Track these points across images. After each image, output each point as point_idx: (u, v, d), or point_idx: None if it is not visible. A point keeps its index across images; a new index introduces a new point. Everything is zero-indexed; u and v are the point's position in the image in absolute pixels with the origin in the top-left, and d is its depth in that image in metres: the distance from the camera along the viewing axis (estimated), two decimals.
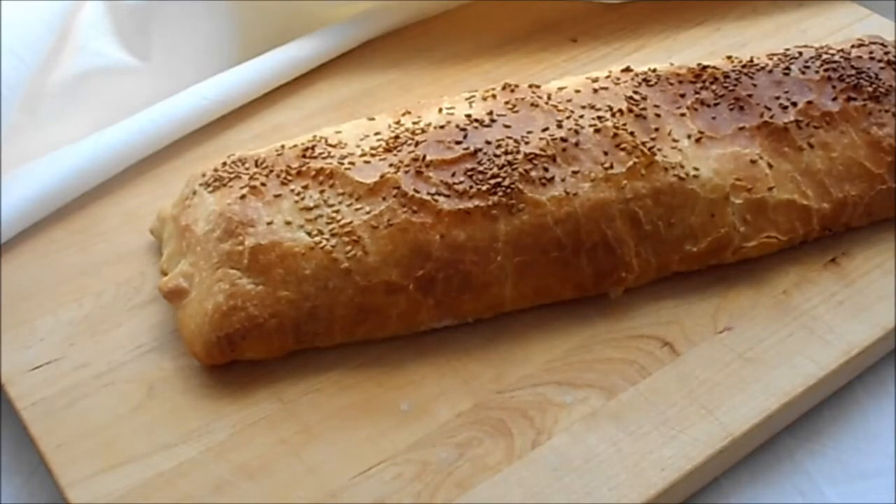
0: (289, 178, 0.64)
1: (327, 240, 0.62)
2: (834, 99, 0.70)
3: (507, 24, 0.90)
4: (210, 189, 0.65)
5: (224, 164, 0.67)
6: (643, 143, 0.65)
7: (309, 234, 0.62)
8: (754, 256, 0.67)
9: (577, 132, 0.66)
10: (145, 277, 0.68)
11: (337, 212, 0.62)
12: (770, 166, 0.67)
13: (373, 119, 0.70)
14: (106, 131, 0.77)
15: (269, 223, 0.62)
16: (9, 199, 0.71)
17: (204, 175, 0.67)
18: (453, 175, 0.63)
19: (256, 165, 0.66)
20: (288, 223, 0.62)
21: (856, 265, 0.68)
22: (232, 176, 0.65)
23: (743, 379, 0.61)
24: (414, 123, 0.68)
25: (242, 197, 0.63)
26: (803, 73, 0.72)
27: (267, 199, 0.63)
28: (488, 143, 0.65)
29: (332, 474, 0.57)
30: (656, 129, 0.67)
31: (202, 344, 0.61)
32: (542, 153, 0.64)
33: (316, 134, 0.68)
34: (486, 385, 0.61)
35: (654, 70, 0.71)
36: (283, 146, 0.67)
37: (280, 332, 0.61)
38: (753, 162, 0.67)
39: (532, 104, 0.68)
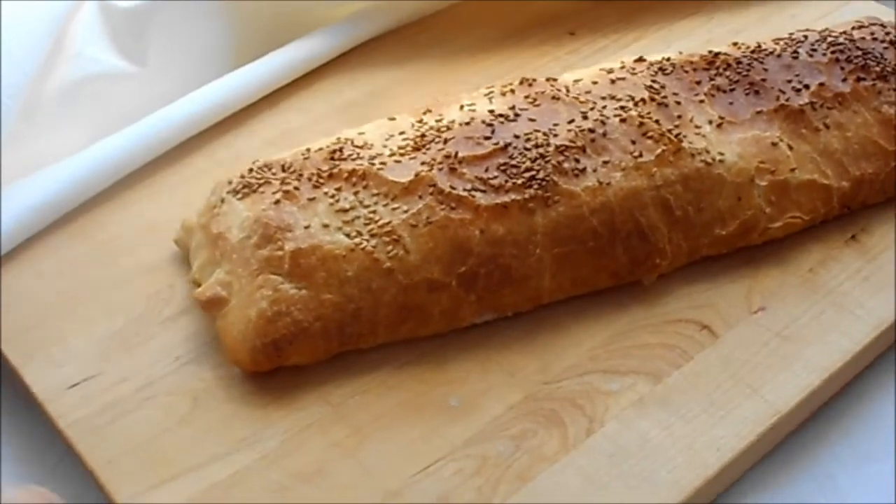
0: (321, 181, 0.64)
1: (367, 240, 0.61)
2: (844, 80, 0.71)
3: (504, 21, 0.90)
4: (239, 196, 0.65)
5: (250, 170, 0.66)
6: (669, 131, 0.66)
7: (348, 235, 0.62)
8: (779, 237, 0.68)
9: (603, 122, 0.66)
10: (174, 289, 0.68)
11: (374, 212, 0.62)
12: (790, 148, 0.68)
13: (394, 119, 0.70)
14: (107, 140, 0.76)
15: (307, 227, 0.62)
16: (10, 209, 0.69)
17: (230, 182, 0.66)
18: (486, 170, 0.64)
19: (284, 170, 0.65)
20: (325, 226, 0.62)
21: (875, 241, 0.70)
22: (261, 182, 0.65)
23: (783, 357, 0.62)
24: (437, 121, 0.68)
25: (277, 202, 0.63)
26: (811, 56, 0.73)
27: (301, 203, 0.63)
28: (517, 136, 0.65)
29: (391, 474, 0.57)
30: (679, 117, 0.68)
31: (247, 351, 0.60)
32: (572, 144, 0.65)
33: (339, 136, 0.68)
34: (533, 377, 0.62)
35: (668, 59, 0.72)
36: (308, 149, 0.67)
37: (325, 336, 0.61)
38: (774, 144, 0.68)
39: (553, 97, 0.69)
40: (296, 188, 0.64)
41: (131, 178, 0.76)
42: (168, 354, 0.64)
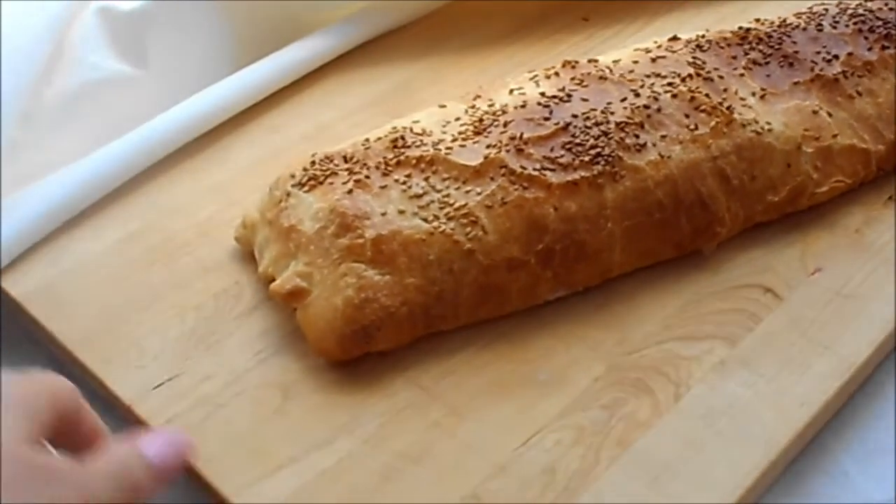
0: (389, 168, 0.65)
1: (445, 223, 0.62)
2: (870, 49, 0.75)
3: (516, 10, 0.92)
4: (306, 189, 0.65)
5: (312, 163, 0.67)
6: (720, 103, 0.68)
7: (425, 220, 0.62)
8: (824, 201, 0.71)
9: (655, 98, 0.68)
10: (241, 285, 0.68)
11: (447, 196, 0.63)
12: (830, 115, 0.71)
13: (444, 106, 0.71)
14: (121, 140, 0.76)
15: (384, 214, 0.62)
16: (12, 217, 0.69)
17: (293, 176, 0.66)
18: (552, 150, 0.65)
19: (347, 161, 0.66)
20: (401, 212, 0.63)
21: None
22: (326, 173, 0.65)
23: (847, 314, 0.65)
24: (490, 106, 0.69)
25: (350, 191, 0.63)
26: (834, 27, 0.76)
27: (374, 192, 0.63)
28: (575, 116, 0.67)
29: (494, 449, 0.58)
30: (724, 90, 0.70)
31: (336, 340, 0.61)
32: (630, 121, 0.67)
33: (394, 125, 0.69)
34: (614, 349, 0.63)
35: (703, 36, 0.75)
36: (367, 139, 0.68)
37: (410, 320, 0.62)
38: (815, 113, 0.71)
39: (600, 77, 0.70)
40: (366, 177, 0.64)
41: (176, 178, 0.76)
42: (248, 349, 0.64)
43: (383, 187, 0.64)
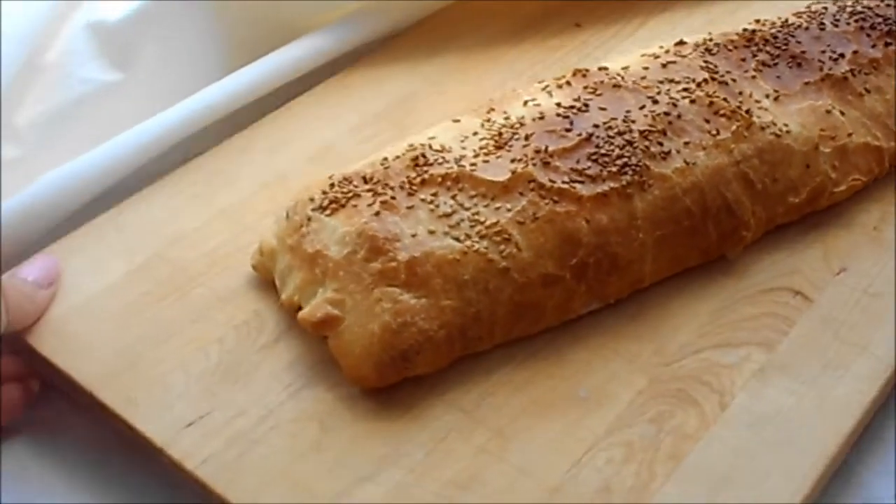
0: (414, 188, 0.63)
1: (477, 242, 0.61)
2: (873, 46, 0.75)
3: (507, 18, 0.90)
4: (328, 212, 0.63)
5: (331, 185, 0.65)
6: (738, 107, 0.68)
7: (457, 239, 0.61)
8: (841, 200, 0.71)
9: (674, 105, 0.68)
10: (262, 316, 0.65)
11: (477, 214, 0.62)
12: (842, 114, 0.71)
13: (458, 121, 0.70)
14: (113, 140, 0.74)
15: (414, 235, 0.61)
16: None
17: (312, 200, 0.64)
18: (578, 162, 0.64)
19: (367, 182, 0.64)
20: (432, 232, 0.61)
21: None
22: (348, 195, 0.64)
23: (877, 313, 0.65)
24: (506, 119, 0.68)
25: (377, 213, 0.62)
26: (836, 26, 0.76)
27: (402, 213, 0.62)
28: (596, 126, 0.66)
29: (546, 471, 0.57)
30: (740, 93, 0.70)
31: (373, 366, 0.59)
32: (653, 129, 0.66)
33: (411, 143, 0.67)
34: (651, 360, 0.62)
35: (710, 39, 0.74)
36: (385, 158, 0.66)
37: (448, 342, 0.60)
38: (829, 112, 0.71)
39: (614, 85, 0.70)
40: (392, 198, 0.62)
41: (177, 203, 0.73)
42: (277, 381, 0.62)
43: (410, 208, 0.62)
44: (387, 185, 0.64)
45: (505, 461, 0.57)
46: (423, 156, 0.65)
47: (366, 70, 0.85)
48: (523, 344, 0.63)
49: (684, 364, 0.62)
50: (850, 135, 0.70)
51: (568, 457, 0.57)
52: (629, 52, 0.82)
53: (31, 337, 0.64)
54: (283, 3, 0.86)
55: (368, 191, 0.63)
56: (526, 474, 0.57)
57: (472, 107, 0.76)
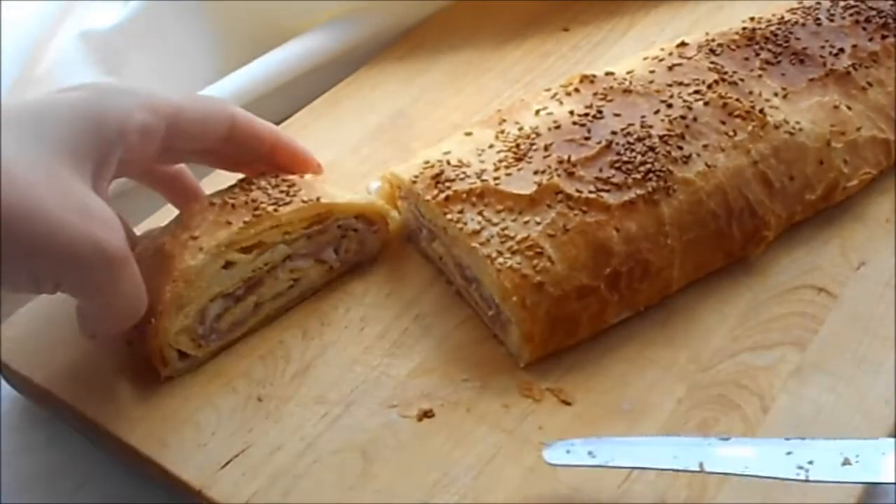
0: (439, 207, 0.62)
1: (510, 258, 0.60)
2: (871, 39, 0.75)
3: (494, 26, 0.89)
4: None
5: None
6: (752, 107, 0.68)
7: (489, 257, 0.60)
8: (853, 193, 0.71)
9: (689, 108, 0.67)
10: (285, 345, 0.64)
11: (506, 229, 0.61)
12: (849, 109, 0.71)
13: (470, 133, 0.69)
14: None
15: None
16: None
17: None
18: (601, 170, 0.63)
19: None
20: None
21: None
22: None
23: None
24: (519, 129, 0.67)
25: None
26: (832, 20, 0.77)
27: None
28: (614, 133, 0.65)
29: (598, 488, 0.56)
30: (750, 93, 0.69)
31: None
32: (671, 133, 0.66)
33: (426, 159, 0.66)
34: (687, 367, 0.62)
35: (711, 39, 0.74)
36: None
37: None
38: (836, 107, 0.71)
39: (624, 91, 0.69)
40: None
41: None
42: (312, 413, 0.60)
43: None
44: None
45: (556, 480, 0.56)
46: (442, 172, 0.64)
47: (354, 89, 0.83)
48: (558, 357, 0.62)
49: (721, 369, 0.62)
50: (858, 129, 0.71)
51: (618, 472, 0.57)
52: (624, 55, 0.82)
53: (41, 380, 0.61)
54: (273, 10, 0.85)
55: None
56: (579, 493, 0.56)
57: (469, 118, 0.75)
